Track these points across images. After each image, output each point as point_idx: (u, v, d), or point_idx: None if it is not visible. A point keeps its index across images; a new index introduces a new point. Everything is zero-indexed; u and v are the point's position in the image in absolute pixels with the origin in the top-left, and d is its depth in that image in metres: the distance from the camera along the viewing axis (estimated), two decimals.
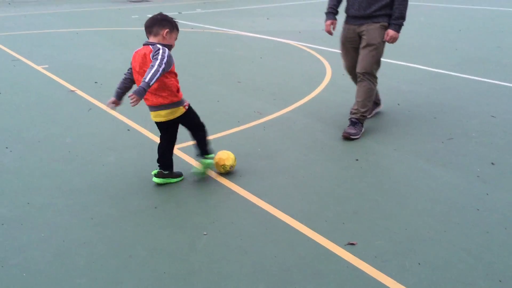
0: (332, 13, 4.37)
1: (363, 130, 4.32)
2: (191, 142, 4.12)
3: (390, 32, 4.09)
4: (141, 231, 2.84)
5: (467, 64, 6.65)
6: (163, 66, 2.93)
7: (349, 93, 5.46)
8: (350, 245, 2.65)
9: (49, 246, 2.70)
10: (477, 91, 5.47)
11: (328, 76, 6.21)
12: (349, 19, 4.28)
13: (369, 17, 4.13)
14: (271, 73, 6.47)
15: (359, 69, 4.21)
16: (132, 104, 2.82)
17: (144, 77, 2.88)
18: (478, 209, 3.00)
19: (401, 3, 4.04)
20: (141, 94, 2.84)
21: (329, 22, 4.36)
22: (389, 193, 3.23)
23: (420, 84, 5.75)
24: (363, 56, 4.19)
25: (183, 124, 3.40)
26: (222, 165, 3.49)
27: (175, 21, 3.24)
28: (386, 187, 3.33)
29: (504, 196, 3.16)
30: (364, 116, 4.28)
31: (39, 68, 6.86)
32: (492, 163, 3.64)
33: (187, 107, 3.30)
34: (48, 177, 3.54)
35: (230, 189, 3.32)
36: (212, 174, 3.54)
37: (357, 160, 3.75)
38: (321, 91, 5.58)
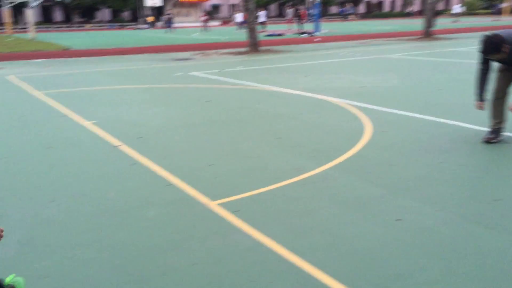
0: (482, 98, 5.63)
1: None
2: (237, 196, 4.14)
3: None
4: None
5: None
6: None
7: (388, 150, 5.41)
8: None
9: None
10: None
11: (368, 133, 6.19)
12: None
13: None
14: (311, 130, 6.51)
15: None
16: None
17: None
18: None
19: None
20: None
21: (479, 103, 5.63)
22: (434, 257, 3.12)
23: (463, 142, 5.64)
24: None
25: None
26: None
27: None
28: (431, 250, 3.21)
29: None
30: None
31: (87, 123, 7.16)
32: None
33: None
34: (91, 231, 3.62)
35: (268, 248, 3.28)
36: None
37: (399, 219, 3.66)
38: (362, 148, 5.55)
